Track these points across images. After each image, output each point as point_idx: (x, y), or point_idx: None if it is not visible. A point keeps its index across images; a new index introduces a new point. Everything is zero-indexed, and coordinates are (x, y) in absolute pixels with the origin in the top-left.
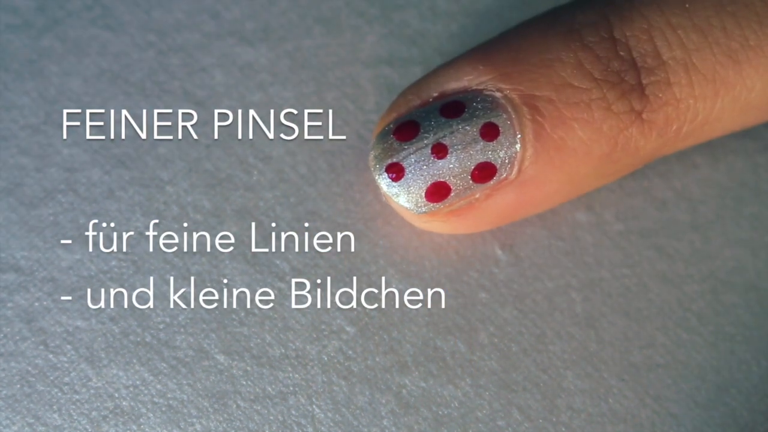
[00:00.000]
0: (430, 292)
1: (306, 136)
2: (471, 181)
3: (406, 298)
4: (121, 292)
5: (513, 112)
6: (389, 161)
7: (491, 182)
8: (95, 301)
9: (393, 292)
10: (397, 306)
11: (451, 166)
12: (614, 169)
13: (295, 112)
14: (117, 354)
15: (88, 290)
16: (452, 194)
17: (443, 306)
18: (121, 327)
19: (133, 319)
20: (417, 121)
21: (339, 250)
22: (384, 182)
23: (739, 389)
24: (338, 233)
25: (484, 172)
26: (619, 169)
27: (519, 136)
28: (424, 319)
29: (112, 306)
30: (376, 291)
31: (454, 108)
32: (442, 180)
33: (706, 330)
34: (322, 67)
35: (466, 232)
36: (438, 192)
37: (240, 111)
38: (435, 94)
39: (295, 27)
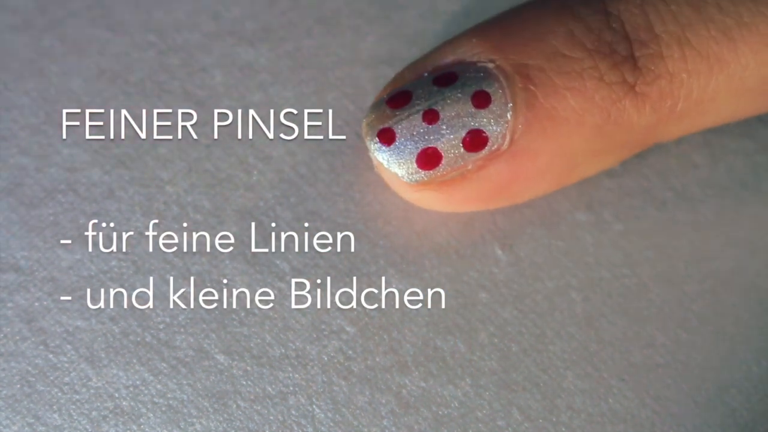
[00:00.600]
0: (430, 292)
1: (306, 136)
2: (463, 150)
3: (406, 298)
4: (121, 292)
5: (505, 81)
6: (380, 127)
7: (483, 151)
8: (95, 301)
9: (393, 292)
10: (397, 306)
11: (443, 131)
12: (608, 145)
13: (295, 112)
14: (117, 354)
15: (88, 290)
16: (443, 162)
17: (443, 306)
18: (121, 327)
19: (133, 319)
20: (409, 90)
21: (339, 250)
22: (375, 147)
23: (739, 389)
24: (338, 233)
25: (476, 140)
26: (613, 148)
27: (510, 104)
28: (424, 319)
29: (112, 306)
30: (376, 291)
31: (446, 78)
32: (433, 146)
33: (706, 330)
34: (322, 67)
35: (458, 206)
36: (429, 159)
37: (240, 111)
38: (429, 69)
39: (295, 27)
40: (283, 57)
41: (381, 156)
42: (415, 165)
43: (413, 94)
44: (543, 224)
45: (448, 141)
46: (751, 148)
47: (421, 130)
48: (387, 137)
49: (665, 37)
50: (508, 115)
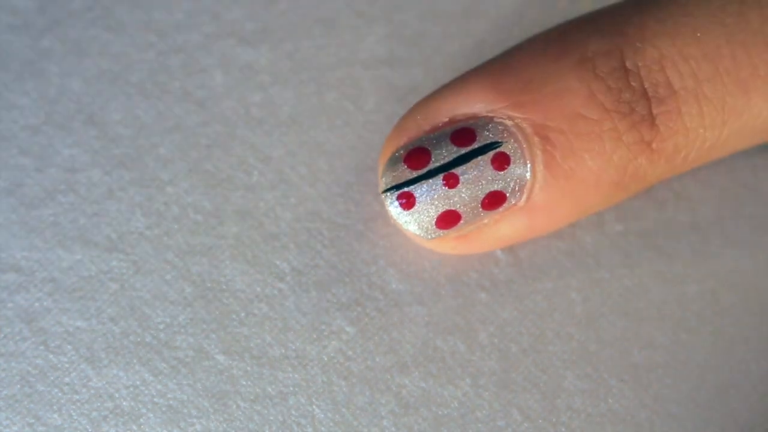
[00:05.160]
0: (430, 292)
1: (306, 137)
2: (480, 209)
3: (406, 298)
4: (121, 292)
5: (524, 141)
6: (400, 189)
7: (500, 209)
8: (95, 301)
9: (393, 292)
10: (397, 306)
11: (462, 195)
12: (622, 195)
13: (295, 112)
14: (117, 354)
15: (88, 290)
16: (462, 222)
17: (443, 306)
18: (121, 327)
19: (133, 319)
20: (428, 148)
21: (339, 250)
22: (395, 210)
23: (739, 389)
24: (338, 233)
25: (494, 200)
26: (627, 195)
27: (529, 165)
28: (424, 319)
29: (112, 306)
30: (376, 291)
31: (464, 136)
32: (452, 209)
33: (706, 330)
34: (322, 67)
35: (472, 252)
36: (448, 220)
37: (240, 111)
38: (445, 119)
39: (295, 27)
40: (282, 57)
41: (400, 218)
42: (434, 225)
43: (432, 153)
44: None
45: (467, 203)
46: (752, 149)
47: (441, 194)
48: (407, 200)
49: (683, 93)
50: (527, 175)
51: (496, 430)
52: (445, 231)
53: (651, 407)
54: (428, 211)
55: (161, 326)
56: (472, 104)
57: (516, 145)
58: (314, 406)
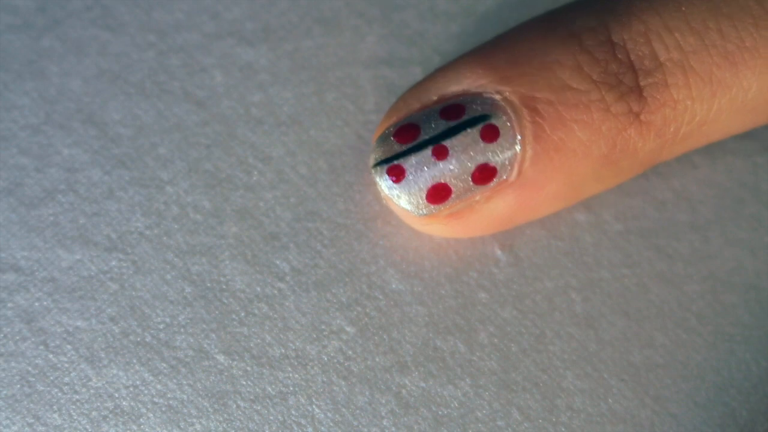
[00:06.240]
0: (430, 292)
1: (306, 136)
2: (471, 183)
3: (406, 298)
4: (121, 292)
5: (512, 113)
6: (390, 164)
7: (491, 184)
8: (95, 301)
9: (393, 292)
10: (397, 306)
11: (452, 167)
12: (613, 171)
13: (295, 112)
14: (117, 354)
15: (88, 290)
16: (452, 196)
17: (443, 306)
18: (121, 327)
19: (133, 319)
20: (417, 123)
21: (339, 250)
22: (385, 184)
23: (739, 389)
24: (338, 233)
25: (485, 174)
26: (619, 173)
27: (519, 137)
28: (424, 319)
29: (112, 306)
30: (376, 291)
31: (454, 110)
32: (442, 182)
33: (705, 330)
34: (322, 67)
35: (465, 235)
36: (439, 193)
37: (240, 111)
38: (434, 98)
39: (294, 27)
40: (282, 57)
41: (391, 192)
42: (424, 200)
43: (421, 128)
44: (543, 225)
45: (457, 176)
46: (751, 148)
47: (431, 166)
48: (397, 173)
49: (669, 65)
50: (517, 148)
51: (496, 430)
52: (436, 206)
53: (651, 407)
54: (418, 184)
55: (161, 326)
56: (460, 82)
57: (505, 117)
58: (314, 406)
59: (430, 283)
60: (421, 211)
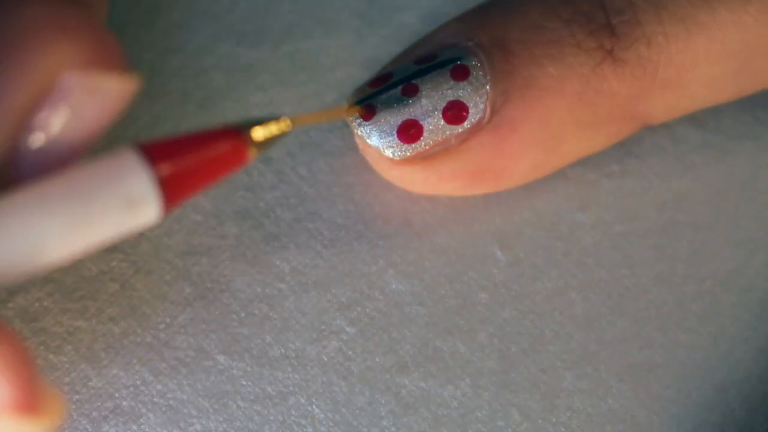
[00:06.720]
0: (430, 292)
1: (306, 137)
2: (444, 123)
3: (406, 298)
4: (121, 293)
5: (483, 54)
6: (362, 104)
7: (465, 124)
8: (95, 301)
9: (393, 293)
10: (397, 306)
11: (422, 103)
12: (591, 114)
13: (295, 112)
14: (117, 354)
15: (88, 290)
16: (425, 134)
17: (443, 306)
18: (121, 327)
19: (133, 319)
20: (391, 72)
21: (339, 250)
22: (356, 123)
23: (738, 389)
24: (338, 233)
25: (457, 113)
26: (598, 119)
27: (489, 75)
28: (424, 320)
29: (112, 306)
30: (376, 291)
31: (426, 58)
32: (413, 118)
33: (705, 330)
34: (322, 68)
35: (444, 185)
36: (410, 132)
37: (240, 111)
38: (413, 59)
39: (295, 29)
40: (283, 59)
41: (362, 130)
42: (396, 138)
43: (393, 73)
44: (542, 225)
45: (428, 113)
46: (751, 149)
47: (401, 103)
48: (367, 112)
49: (641, 3)
50: (487, 86)
51: (496, 430)
52: (409, 146)
53: (650, 407)
54: (389, 121)
55: (161, 326)
56: (436, 38)
57: (475, 59)
58: (314, 406)
59: (430, 283)
60: (393, 152)
